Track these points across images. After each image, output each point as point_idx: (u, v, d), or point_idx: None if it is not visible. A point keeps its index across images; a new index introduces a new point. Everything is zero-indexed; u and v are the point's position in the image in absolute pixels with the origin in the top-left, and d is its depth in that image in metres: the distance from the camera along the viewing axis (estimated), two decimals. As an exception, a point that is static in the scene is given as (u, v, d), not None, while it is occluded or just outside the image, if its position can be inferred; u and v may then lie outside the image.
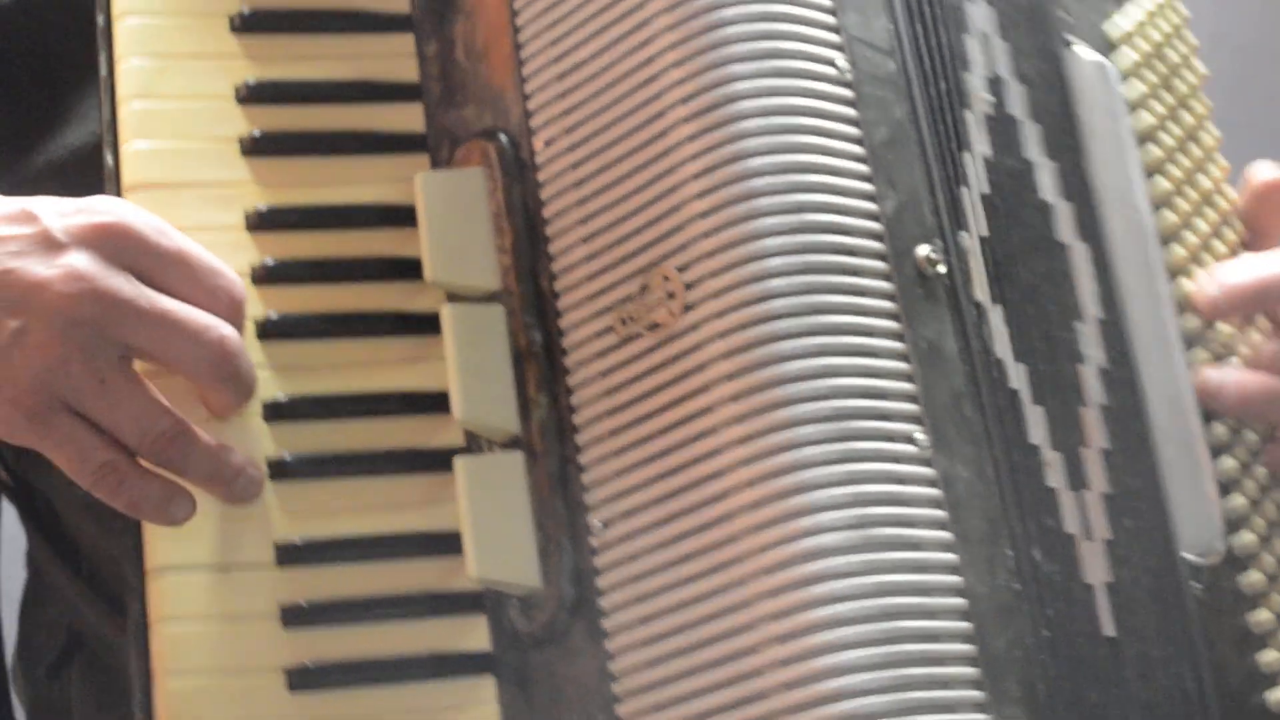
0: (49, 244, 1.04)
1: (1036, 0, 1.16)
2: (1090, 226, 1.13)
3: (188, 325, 1.05)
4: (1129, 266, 1.14)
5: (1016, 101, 1.13)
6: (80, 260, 1.03)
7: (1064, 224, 1.13)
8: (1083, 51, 1.18)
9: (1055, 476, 1.06)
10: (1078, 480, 1.07)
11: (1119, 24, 1.21)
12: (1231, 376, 1.14)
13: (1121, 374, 1.11)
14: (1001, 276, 1.08)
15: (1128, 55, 1.20)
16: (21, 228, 1.04)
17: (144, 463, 1.06)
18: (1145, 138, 1.19)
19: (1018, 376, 1.07)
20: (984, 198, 1.09)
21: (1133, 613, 1.06)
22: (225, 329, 1.06)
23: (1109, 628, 1.05)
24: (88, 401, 1.04)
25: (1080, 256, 1.13)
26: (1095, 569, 1.06)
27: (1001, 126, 1.11)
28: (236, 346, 1.07)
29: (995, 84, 1.12)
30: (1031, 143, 1.13)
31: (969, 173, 1.09)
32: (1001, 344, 1.07)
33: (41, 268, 1.03)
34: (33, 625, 1.40)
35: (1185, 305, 1.16)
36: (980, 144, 1.10)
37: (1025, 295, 1.09)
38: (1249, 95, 1.89)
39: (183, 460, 1.06)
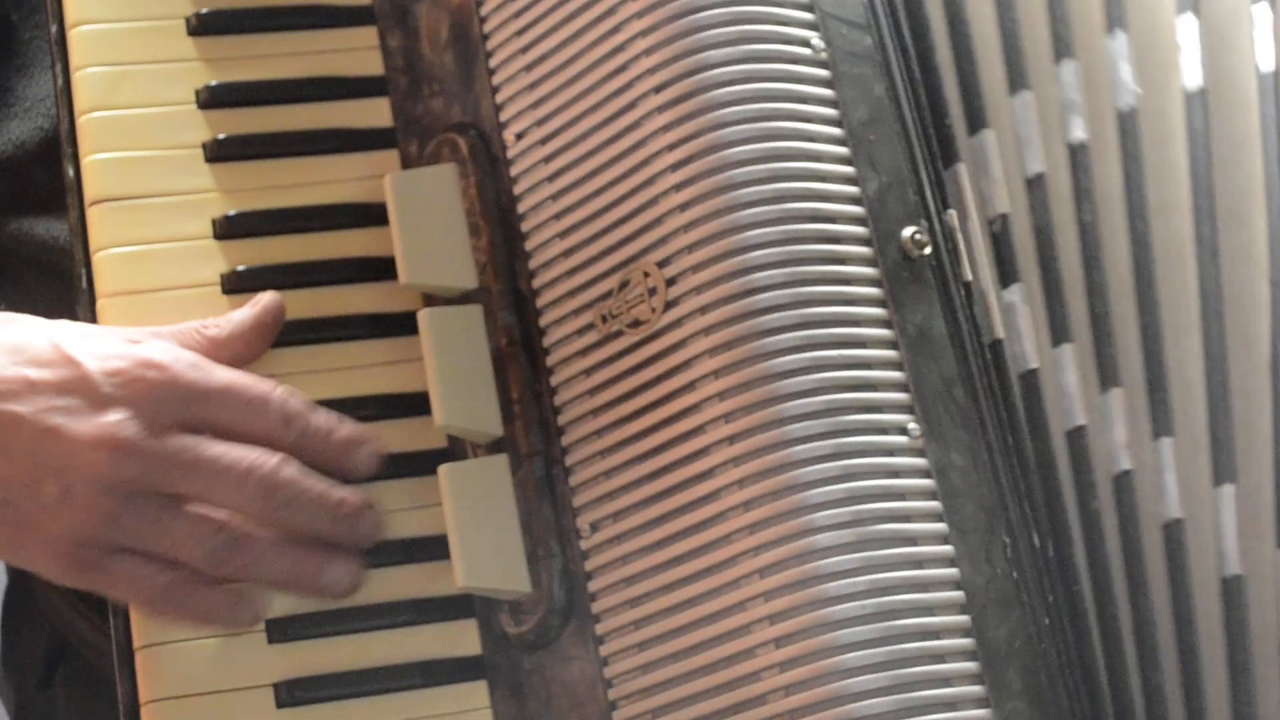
0: (91, 397, 1.01)
1: None
2: None
3: (232, 471, 1.02)
4: None
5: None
6: (122, 422, 1.01)
7: None
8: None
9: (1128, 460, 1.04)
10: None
11: None
12: None
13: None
14: (1047, 256, 1.05)
15: None
16: (62, 373, 1.01)
17: None
18: None
19: (1062, 358, 1.04)
20: (1033, 178, 1.06)
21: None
22: (270, 464, 1.03)
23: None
24: (146, 542, 1.02)
25: None
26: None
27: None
28: (286, 479, 1.03)
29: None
30: None
31: (989, 151, 1.06)
32: (1019, 324, 1.04)
33: (84, 426, 1.00)
34: (16, 633, 1.38)
35: None
36: (1072, 130, 1.07)
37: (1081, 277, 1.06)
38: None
39: (249, 568, 1.04)
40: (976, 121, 1.08)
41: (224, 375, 1.04)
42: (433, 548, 1.09)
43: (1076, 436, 1.05)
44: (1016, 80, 1.08)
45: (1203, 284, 1.06)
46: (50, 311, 1.26)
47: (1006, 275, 1.06)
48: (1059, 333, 1.05)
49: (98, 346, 1.03)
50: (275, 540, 1.04)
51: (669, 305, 1.02)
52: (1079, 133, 1.08)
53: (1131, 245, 1.07)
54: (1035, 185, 1.07)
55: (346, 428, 1.06)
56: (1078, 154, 1.08)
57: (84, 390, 1.01)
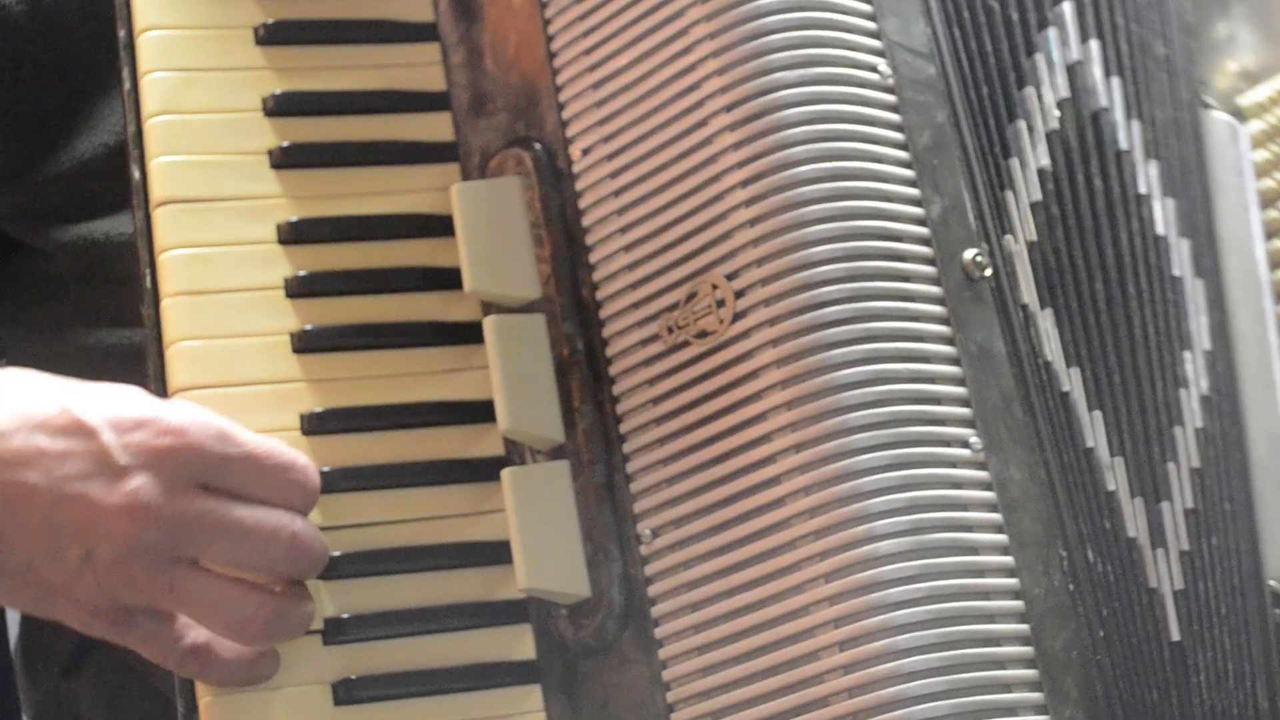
0: (109, 467, 1.01)
1: (1174, 54, 1.17)
2: (1207, 265, 1.15)
3: (259, 531, 1.03)
4: (1242, 310, 1.15)
5: (1131, 137, 1.14)
6: (144, 487, 1.01)
7: (1179, 258, 1.14)
8: (1217, 111, 1.20)
9: (1114, 480, 1.07)
10: (1151, 489, 1.08)
11: (1252, 97, 1.23)
12: None
13: (1224, 404, 1.13)
14: (1054, 282, 1.08)
15: (1256, 126, 1.22)
16: (77, 443, 1.01)
17: None
18: (1268, 203, 1.21)
19: (1071, 380, 1.07)
20: (1035, 204, 1.10)
21: (1206, 623, 1.07)
22: (296, 524, 1.04)
23: (1175, 633, 1.06)
24: (162, 606, 1.04)
25: (1194, 290, 1.14)
26: (1164, 576, 1.07)
27: (1065, 142, 1.12)
28: (309, 540, 1.05)
29: (1068, 104, 1.13)
30: (1143, 177, 1.14)
31: (1016, 179, 1.10)
32: (1052, 347, 1.07)
33: (104, 493, 1.00)
34: (39, 624, 1.38)
35: None
36: (1039, 155, 1.11)
37: (1087, 304, 1.09)
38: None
39: (275, 636, 1.05)
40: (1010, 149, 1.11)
41: (246, 443, 1.04)
42: (490, 553, 1.10)
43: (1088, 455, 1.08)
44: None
45: None
46: (87, 321, 1.27)
47: (1044, 300, 1.09)
48: (1075, 359, 1.09)
49: (113, 411, 1.03)
50: (298, 605, 1.06)
51: (737, 317, 1.04)
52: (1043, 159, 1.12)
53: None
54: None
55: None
56: None
57: (101, 460, 1.01)
